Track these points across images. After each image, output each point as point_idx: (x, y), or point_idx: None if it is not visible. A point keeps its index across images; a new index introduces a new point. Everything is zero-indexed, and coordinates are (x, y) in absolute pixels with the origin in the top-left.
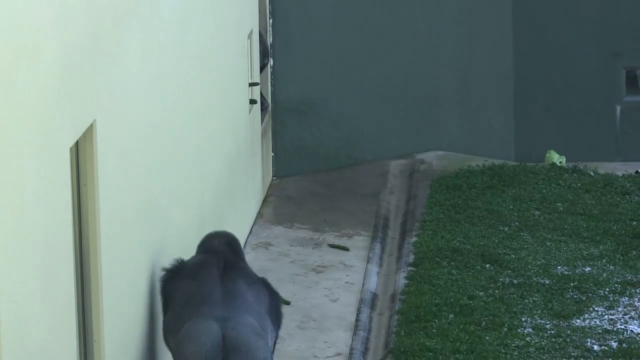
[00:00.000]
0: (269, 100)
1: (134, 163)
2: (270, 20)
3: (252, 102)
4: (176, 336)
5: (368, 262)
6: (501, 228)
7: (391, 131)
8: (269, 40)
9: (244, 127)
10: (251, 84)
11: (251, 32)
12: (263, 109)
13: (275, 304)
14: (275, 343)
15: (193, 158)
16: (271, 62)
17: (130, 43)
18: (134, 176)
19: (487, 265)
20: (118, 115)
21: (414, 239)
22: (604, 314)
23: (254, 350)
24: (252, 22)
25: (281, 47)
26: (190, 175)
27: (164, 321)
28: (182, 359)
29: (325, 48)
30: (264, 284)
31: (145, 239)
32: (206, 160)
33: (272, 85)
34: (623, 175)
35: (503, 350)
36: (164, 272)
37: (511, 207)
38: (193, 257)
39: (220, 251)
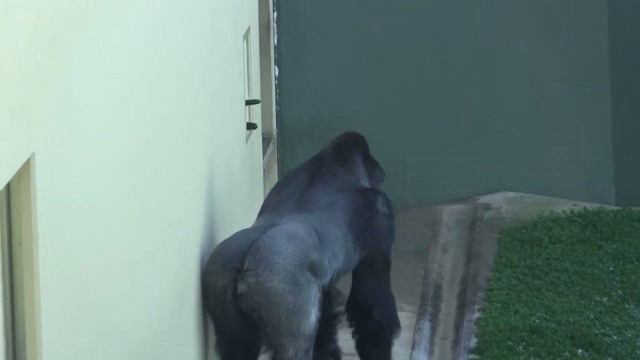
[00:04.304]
0: (274, 123)
1: (90, 213)
2: (275, 15)
3: (251, 126)
4: None
5: (413, 348)
6: (598, 299)
7: (441, 166)
8: (273, 41)
9: (240, 162)
10: (249, 102)
11: (248, 29)
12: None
13: (361, 212)
14: (358, 247)
15: (169, 207)
16: (276, 72)
17: (85, 50)
18: (91, 231)
19: (580, 350)
20: (66, 147)
21: (477, 314)
22: None
23: (274, 253)
24: (249, 17)
25: (289, 51)
26: (166, 234)
27: None
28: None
29: (347, 51)
30: (360, 191)
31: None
32: (187, 213)
33: (277, 104)
34: None
35: None
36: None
37: (611, 268)
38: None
39: (318, 158)
